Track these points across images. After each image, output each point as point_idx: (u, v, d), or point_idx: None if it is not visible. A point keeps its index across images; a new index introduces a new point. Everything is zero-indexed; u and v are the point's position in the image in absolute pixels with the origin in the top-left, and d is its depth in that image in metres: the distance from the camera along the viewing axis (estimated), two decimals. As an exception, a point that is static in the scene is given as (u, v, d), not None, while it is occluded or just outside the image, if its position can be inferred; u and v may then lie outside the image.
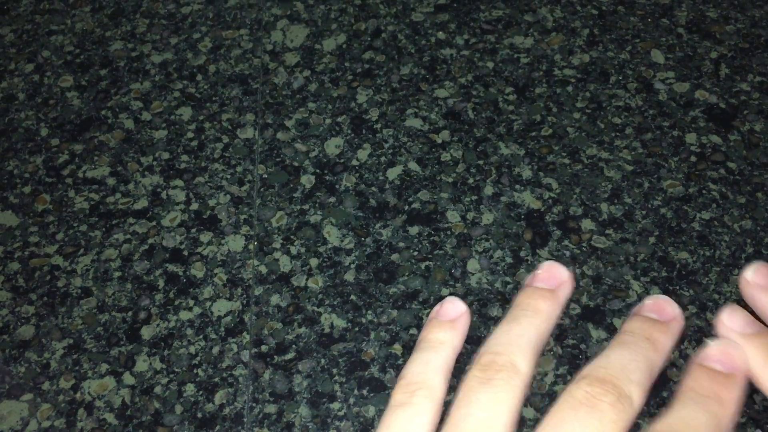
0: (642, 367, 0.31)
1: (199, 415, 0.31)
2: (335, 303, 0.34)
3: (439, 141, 0.38)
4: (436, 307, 0.35)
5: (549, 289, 0.35)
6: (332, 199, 0.36)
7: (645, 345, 0.32)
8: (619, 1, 0.44)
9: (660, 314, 0.34)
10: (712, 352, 0.31)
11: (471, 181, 0.36)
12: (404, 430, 0.29)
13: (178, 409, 0.31)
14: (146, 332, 0.32)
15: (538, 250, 0.33)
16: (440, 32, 0.44)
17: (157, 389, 0.30)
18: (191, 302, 0.33)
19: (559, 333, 0.31)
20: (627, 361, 0.31)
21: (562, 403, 0.31)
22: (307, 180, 0.36)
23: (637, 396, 0.31)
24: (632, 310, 0.34)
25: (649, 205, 0.36)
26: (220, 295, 0.33)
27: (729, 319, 0.34)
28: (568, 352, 0.31)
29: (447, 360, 0.34)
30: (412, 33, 0.44)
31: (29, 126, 0.42)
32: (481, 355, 0.33)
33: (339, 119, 0.40)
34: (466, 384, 0.32)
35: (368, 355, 0.33)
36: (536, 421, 0.30)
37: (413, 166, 0.37)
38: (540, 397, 0.30)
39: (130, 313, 0.34)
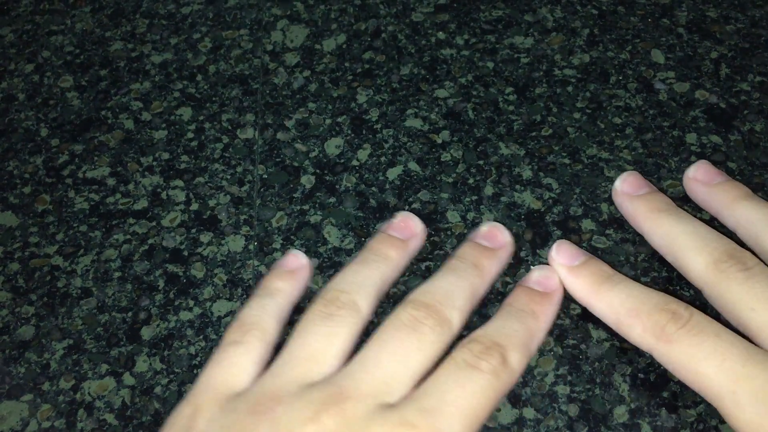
0: (465, 294, 0.32)
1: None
2: (335, 303, 0.34)
3: (439, 141, 0.38)
4: (281, 258, 0.35)
5: (401, 239, 0.36)
6: (332, 200, 0.36)
7: (472, 272, 0.33)
8: (620, 1, 0.45)
9: (491, 241, 0.35)
10: (532, 275, 0.33)
11: (471, 181, 0.36)
12: (233, 364, 0.29)
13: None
14: (146, 333, 0.32)
15: (538, 251, 0.33)
16: (440, 32, 0.44)
17: (157, 390, 0.30)
18: (191, 302, 0.33)
19: (559, 333, 0.31)
20: (452, 288, 0.31)
21: (388, 324, 0.32)
22: (307, 180, 0.37)
23: (456, 320, 0.32)
24: (470, 236, 0.35)
25: (650, 205, 0.35)
26: (221, 295, 0.33)
27: (557, 254, 0.35)
28: (569, 352, 0.31)
29: (282, 307, 0.34)
30: (412, 33, 0.44)
31: (29, 126, 0.42)
32: (326, 291, 0.33)
33: (339, 119, 0.40)
34: (307, 316, 0.32)
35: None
36: (537, 422, 0.30)
37: (413, 166, 0.37)
38: (540, 398, 0.30)
39: (130, 314, 0.34)
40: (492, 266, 0.31)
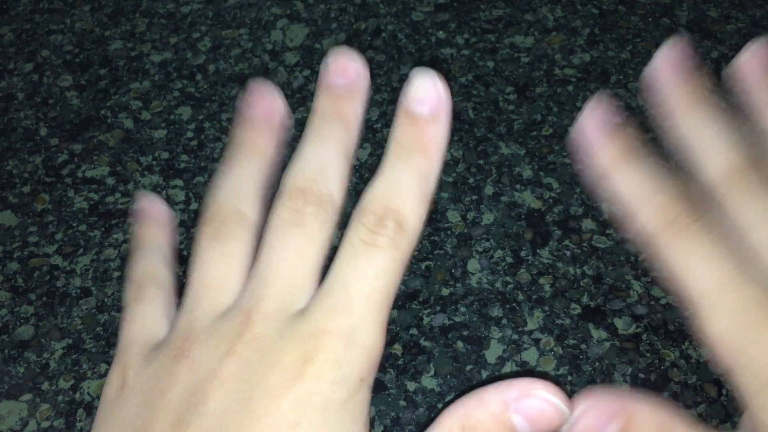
0: (339, 158, 0.29)
1: (199, 415, 0.31)
2: (335, 303, 0.34)
3: (440, 140, 0.38)
4: (134, 207, 0.33)
5: (268, 121, 0.32)
6: (332, 199, 0.35)
7: (337, 127, 0.30)
8: (620, 1, 0.44)
9: (344, 76, 0.30)
10: (413, 92, 0.27)
11: (471, 180, 0.36)
12: (144, 317, 0.28)
13: (178, 409, 0.31)
14: (146, 332, 0.32)
15: (538, 250, 0.33)
16: (440, 31, 0.44)
17: (157, 389, 0.30)
18: (191, 302, 0.33)
19: (559, 333, 0.31)
20: (322, 157, 0.29)
21: (271, 226, 0.30)
22: (307, 180, 0.36)
23: (336, 192, 0.30)
24: (320, 78, 0.30)
25: (650, 205, 0.35)
26: (220, 295, 0.33)
27: (586, 121, 0.30)
28: (569, 352, 0.31)
29: (164, 251, 0.32)
30: (412, 32, 0.44)
31: (28, 125, 0.42)
32: (206, 206, 0.30)
33: (339, 119, 0.40)
34: (197, 243, 0.30)
35: (368, 355, 0.33)
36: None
37: (413, 165, 0.37)
38: (540, 398, 0.30)
39: (129, 313, 0.33)
40: (356, 108, 0.27)
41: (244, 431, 0.25)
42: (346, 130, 0.32)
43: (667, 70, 0.33)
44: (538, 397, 0.26)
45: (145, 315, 0.30)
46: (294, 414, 0.25)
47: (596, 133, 0.31)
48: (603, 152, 0.31)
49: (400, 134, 0.30)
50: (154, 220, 0.34)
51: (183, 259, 0.36)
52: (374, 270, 0.27)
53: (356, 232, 0.29)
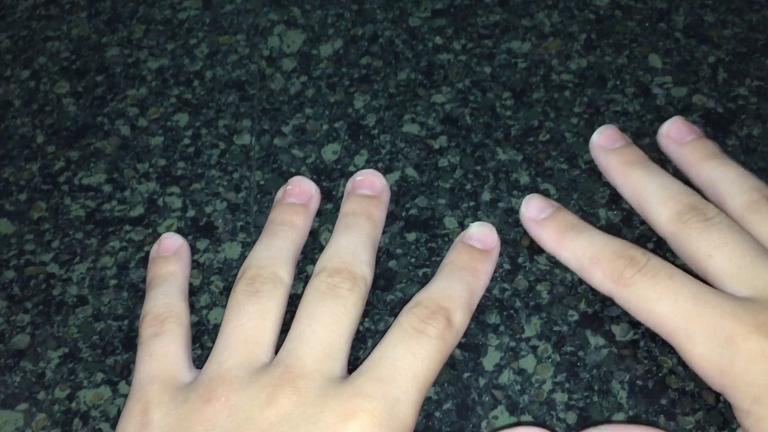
0: (368, 247, 0.33)
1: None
2: (332, 310, 0.34)
3: (437, 147, 0.38)
4: (154, 246, 0.36)
5: (301, 203, 0.37)
6: (329, 206, 0.36)
7: (366, 224, 0.34)
8: (617, 6, 0.44)
9: (371, 189, 0.36)
10: (472, 232, 0.34)
11: (468, 186, 0.36)
12: (166, 354, 0.29)
13: (175, 417, 0.31)
14: (142, 341, 0.32)
15: (536, 257, 0.33)
16: (437, 37, 0.44)
17: (153, 399, 0.30)
18: (187, 310, 0.33)
19: (557, 340, 0.31)
20: (355, 246, 0.33)
21: (309, 296, 0.33)
22: (304, 187, 0.36)
23: (368, 273, 0.33)
24: (347, 188, 0.36)
25: (648, 211, 0.35)
26: (217, 302, 0.33)
27: (525, 209, 0.37)
28: (566, 359, 0.31)
29: (183, 287, 0.35)
30: (409, 38, 0.44)
31: (25, 133, 0.42)
32: (244, 270, 0.34)
33: (336, 125, 0.40)
34: (234, 298, 0.33)
35: (366, 363, 0.33)
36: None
37: (410, 171, 0.37)
38: (538, 405, 0.29)
39: (126, 322, 0.33)
40: (380, 212, 0.33)
41: None
42: (374, 228, 0.35)
43: (679, 135, 0.37)
44: None
45: (167, 353, 0.30)
46: None
47: (534, 217, 0.35)
48: (543, 234, 0.34)
49: (456, 257, 0.34)
50: (173, 255, 0.35)
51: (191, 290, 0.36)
52: (422, 353, 0.29)
53: (408, 320, 0.30)
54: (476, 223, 0.33)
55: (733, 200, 0.31)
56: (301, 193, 0.35)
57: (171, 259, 0.33)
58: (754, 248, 0.28)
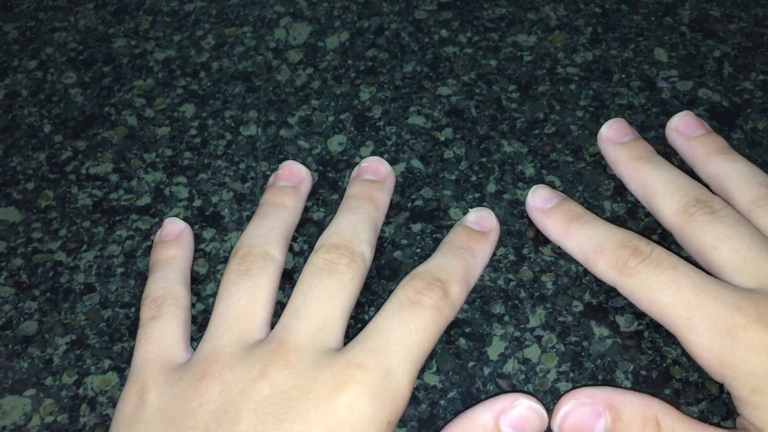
0: (368, 227, 0.34)
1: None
2: (338, 300, 0.34)
3: (442, 138, 0.38)
4: (158, 232, 0.36)
5: (292, 186, 0.38)
6: (335, 196, 0.36)
7: (368, 206, 0.34)
8: (623, 0, 0.45)
9: (375, 174, 0.37)
10: (470, 216, 0.35)
11: (474, 178, 0.36)
12: (163, 336, 0.30)
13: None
14: (149, 328, 0.32)
15: (541, 248, 0.33)
16: (443, 30, 0.44)
17: (160, 385, 0.30)
18: (194, 298, 0.33)
19: (561, 330, 0.31)
20: (355, 224, 0.33)
21: (307, 272, 0.33)
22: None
23: (367, 252, 0.34)
24: (351, 174, 0.36)
25: (652, 203, 0.35)
26: (223, 291, 0.33)
27: (531, 198, 0.37)
28: (571, 349, 0.31)
29: (182, 271, 0.35)
30: (415, 31, 0.44)
31: (32, 123, 0.42)
32: (236, 249, 0.34)
33: (342, 116, 0.40)
34: (226, 278, 0.33)
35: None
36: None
37: (416, 163, 0.37)
38: (542, 395, 0.30)
39: (132, 309, 0.34)
40: (384, 197, 0.33)
41: None
42: (376, 210, 0.35)
43: (688, 129, 0.37)
44: (521, 407, 0.27)
45: (164, 334, 0.30)
46: None
47: (540, 207, 0.35)
48: (548, 223, 0.34)
49: (453, 237, 0.34)
50: (175, 240, 0.36)
51: (194, 279, 0.36)
52: (416, 324, 0.29)
53: (404, 292, 0.31)
54: (475, 208, 0.33)
55: (740, 195, 0.31)
56: (291, 175, 0.35)
57: (172, 244, 0.33)
58: (760, 241, 0.28)
